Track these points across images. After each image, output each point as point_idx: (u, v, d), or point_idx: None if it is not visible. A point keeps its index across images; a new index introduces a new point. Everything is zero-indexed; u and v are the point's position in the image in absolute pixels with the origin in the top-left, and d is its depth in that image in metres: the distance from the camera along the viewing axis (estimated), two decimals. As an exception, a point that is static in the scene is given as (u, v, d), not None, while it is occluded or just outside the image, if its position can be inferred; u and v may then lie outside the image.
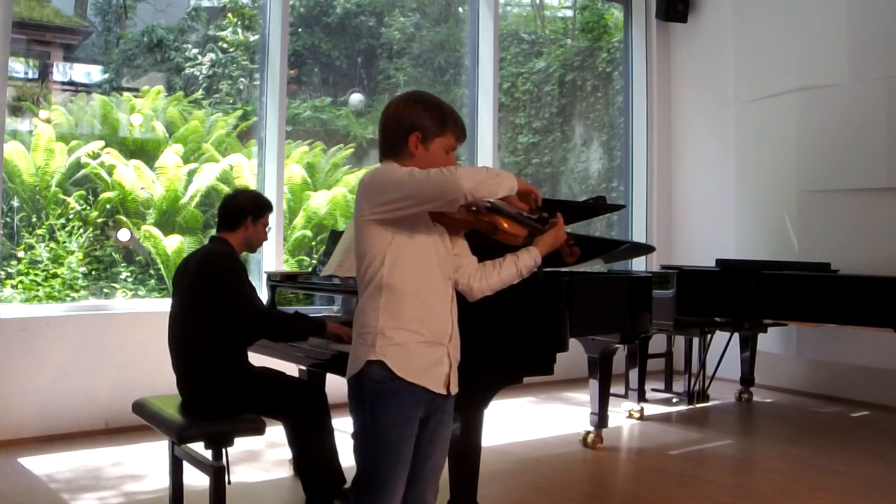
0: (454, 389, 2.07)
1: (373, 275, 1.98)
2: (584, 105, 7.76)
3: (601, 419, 4.39)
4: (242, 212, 3.15)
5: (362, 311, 2.01)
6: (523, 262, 2.19)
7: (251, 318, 2.98)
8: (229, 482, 2.82)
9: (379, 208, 1.94)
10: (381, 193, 1.94)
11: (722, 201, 6.62)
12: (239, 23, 6.66)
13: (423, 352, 1.99)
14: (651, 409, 5.37)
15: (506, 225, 2.11)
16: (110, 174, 5.66)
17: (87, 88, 6.10)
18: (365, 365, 1.96)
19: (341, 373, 3.07)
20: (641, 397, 5.23)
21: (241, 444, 3.35)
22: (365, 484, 1.98)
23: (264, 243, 3.35)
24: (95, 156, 5.64)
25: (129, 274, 5.70)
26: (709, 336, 5.39)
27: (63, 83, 6.15)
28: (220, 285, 2.95)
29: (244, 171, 5.96)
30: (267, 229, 3.26)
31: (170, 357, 3.09)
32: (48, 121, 5.63)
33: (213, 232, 3.24)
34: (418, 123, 2.01)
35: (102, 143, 5.68)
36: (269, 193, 5.23)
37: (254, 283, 3.12)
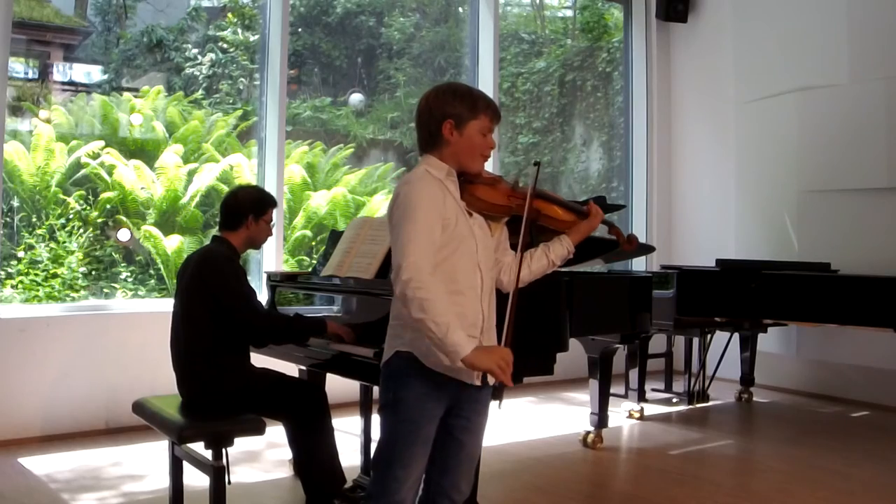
0: (491, 380, 2.03)
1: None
2: (584, 105, 7.76)
3: (601, 419, 4.39)
4: (243, 211, 3.13)
5: (397, 302, 2.03)
6: (555, 253, 2.24)
7: (251, 322, 2.98)
8: (229, 482, 2.82)
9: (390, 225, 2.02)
10: (393, 224, 1.99)
11: (722, 201, 6.62)
12: (239, 23, 6.66)
13: None
14: (651, 409, 5.37)
15: (549, 211, 2.16)
16: (110, 174, 5.66)
17: (87, 88, 6.09)
18: (394, 354, 2.04)
19: (341, 373, 3.10)
20: (641, 397, 5.23)
21: (241, 444, 3.35)
22: (382, 456, 2.04)
23: (268, 239, 3.33)
24: (95, 156, 5.64)
25: (129, 274, 5.70)
26: (709, 336, 5.39)
27: (63, 83, 6.14)
28: (218, 289, 2.95)
29: (244, 171, 5.96)
30: (271, 225, 3.23)
31: (170, 357, 3.09)
32: (48, 121, 5.63)
33: (214, 232, 3.23)
34: (450, 111, 2.05)
35: (102, 143, 5.67)
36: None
37: (254, 284, 3.12)
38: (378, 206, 6.53)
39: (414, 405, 2.01)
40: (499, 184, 2.16)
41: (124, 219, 5.69)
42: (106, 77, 6.20)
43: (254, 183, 5.71)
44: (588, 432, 4.44)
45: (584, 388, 4.94)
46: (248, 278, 3.14)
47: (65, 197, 5.53)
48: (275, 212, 3.27)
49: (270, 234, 3.26)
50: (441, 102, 2.06)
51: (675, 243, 7.19)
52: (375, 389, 2.27)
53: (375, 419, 2.24)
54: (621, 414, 5.20)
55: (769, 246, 5.96)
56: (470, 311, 2.05)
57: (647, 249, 4.84)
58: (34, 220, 5.44)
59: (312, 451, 3.08)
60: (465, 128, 2.06)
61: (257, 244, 3.25)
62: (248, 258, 5.42)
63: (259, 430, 2.83)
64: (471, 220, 2.08)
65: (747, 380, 5.77)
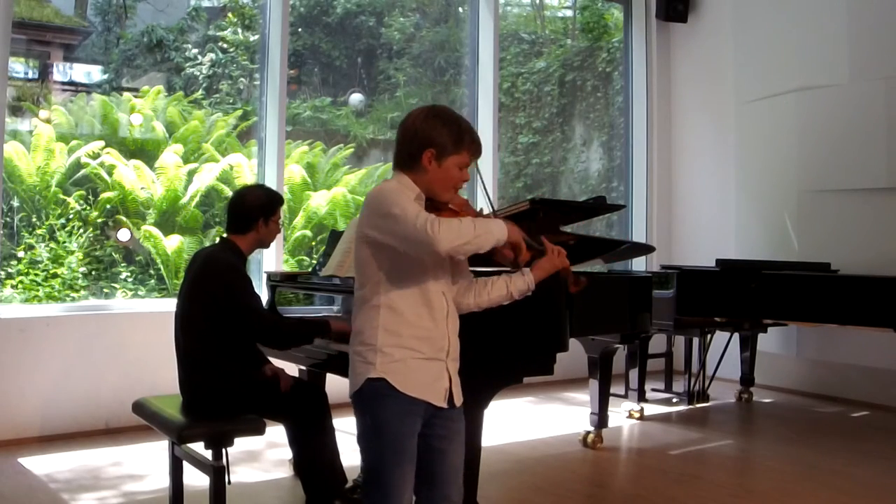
0: (458, 401, 2.10)
1: (372, 293, 2.02)
2: (584, 105, 7.76)
3: (601, 419, 4.39)
4: (253, 215, 3.09)
5: (362, 328, 2.04)
6: (515, 286, 2.18)
7: (258, 330, 2.97)
8: (229, 482, 2.82)
9: (373, 231, 1.98)
10: (378, 218, 1.96)
11: (722, 201, 6.62)
12: (239, 23, 6.66)
13: (423, 368, 2.02)
14: (651, 409, 5.37)
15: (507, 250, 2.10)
16: (110, 174, 5.66)
17: (87, 88, 6.10)
18: (366, 382, 2.00)
19: (341, 373, 3.09)
20: (641, 397, 5.23)
21: (241, 444, 3.35)
22: (371, 483, 2.02)
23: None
24: (95, 156, 5.64)
25: (129, 274, 5.70)
26: (709, 336, 5.38)
27: (63, 83, 6.14)
28: (223, 297, 2.93)
29: (244, 171, 5.96)
30: (280, 222, 3.21)
31: (175, 356, 3.08)
32: (48, 121, 5.63)
33: (214, 232, 3.22)
34: (435, 140, 2.03)
35: (102, 143, 5.67)
36: (270, 193, 5.21)
37: (254, 284, 3.10)
38: (378, 206, 6.52)
39: (395, 424, 1.99)
40: (464, 212, 2.13)
41: (124, 219, 5.69)
42: (106, 77, 6.20)
43: (254, 183, 5.70)
44: (588, 432, 4.44)
45: (584, 388, 4.94)
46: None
47: (65, 197, 5.53)
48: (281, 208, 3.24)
49: (279, 231, 3.23)
50: (428, 127, 2.04)
51: (675, 243, 7.19)
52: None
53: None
54: (621, 414, 5.19)
55: (769, 246, 5.96)
56: (436, 335, 2.04)
57: (646, 249, 4.85)
58: (34, 220, 5.45)
59: (313, 451, 3.08)
60: (445, 160, 2.04)
61: (266, 244, 3.21)
62: (249, 258, 5.41)
63: (259, 430, 2.83)
64: None
65: (747, 380, 5.77)
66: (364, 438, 2.04)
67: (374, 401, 2.00)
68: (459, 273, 2.19)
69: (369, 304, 2.02)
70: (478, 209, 2.23)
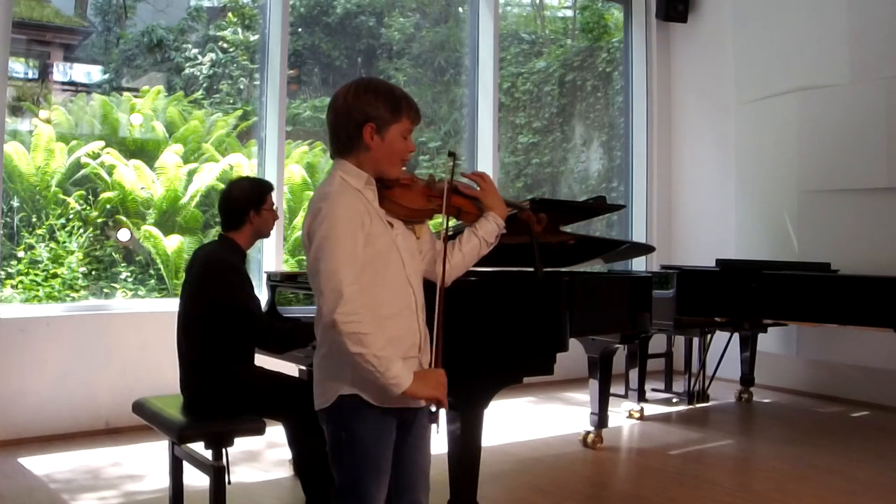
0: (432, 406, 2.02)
1: None
2: (584, 105, 7.76)
3: (601, 419, 4.39)
4: (242, 208, 3.05)
5: (327, 340, 1.88)
6: (484, 230, 2.10)
7: (252, 332, 2.96)
8: (229, 482, 2.82)
9: (307, 252, 1.86)
10: (310, 248, 1.84)
11: (722, 201, 6.62)
12: (239, 23, 6.66)
13: None
14: (651, 409, 5.37)
15: (467, 207, 2.06)
16: (110, 174, 5.66)
17: (87, 88, 6.09)
18: (338, 398, 1.90)
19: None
20: (641, 397, 5.23)
21: (241, 444, 3.35)
22: (347, 496, 1.94)
23: (269, 238, 3.25)
24: (95, 156, 5.64)
25: (129, 274, 5.70)
26: (709, 336, 5.38)
27: (63, 83, 6.14)
28: (222, 298, 2.93)
29: (244, 171, 5.96)
30: (274, 208, 3.15)
31: (176, 356, 3.08)
32: (48, 121, 5.63)
33: (214, 232, 3.22)
34: (372, 113, 1.90)
35: (102, 143, 5.68)
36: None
37: (254, 284, 3.10)
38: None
39: (372, 441, 1.91)
40: (415, 184, 2.04)
41: (124, 219, 5.69)
42: (106, 77, 6.20)
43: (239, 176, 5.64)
44: (588, 432, 4.44)
45: (584, 388, 4.94)
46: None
47: (65, 197, 5.53)
48: (274, 195, 3.17)
49: (276, 218, 3.18)
50: (361, 102, 1.90)
51: (675, 243, 7.19)
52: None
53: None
54: (621, 414, 5.19)
55: (769, 246, 5.96)
56: (407, 333, 1.95)
57: (647, 249, 4.85)
58: (34, 220, 5.44)
59: (312, 452, 3.07)
60: (387, 132, 1.92)
61: (265, 234, 3.16)
62: (249, 258, 5.40)
63: (259, 430, 2.83)
64: (392, 232, 1.95)
65: (747, 380, 5.77)
66: (337, 452, 1.93)
67: (348, 416, 1.90)
68: (424, 243, 2.09)
69: None
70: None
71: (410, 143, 1.99)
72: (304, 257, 1.90)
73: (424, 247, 2.09)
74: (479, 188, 2.13)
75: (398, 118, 1.93)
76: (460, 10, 7.33)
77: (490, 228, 2.11)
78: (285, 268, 5.75)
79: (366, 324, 1.77)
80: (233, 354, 3.00)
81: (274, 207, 3.16)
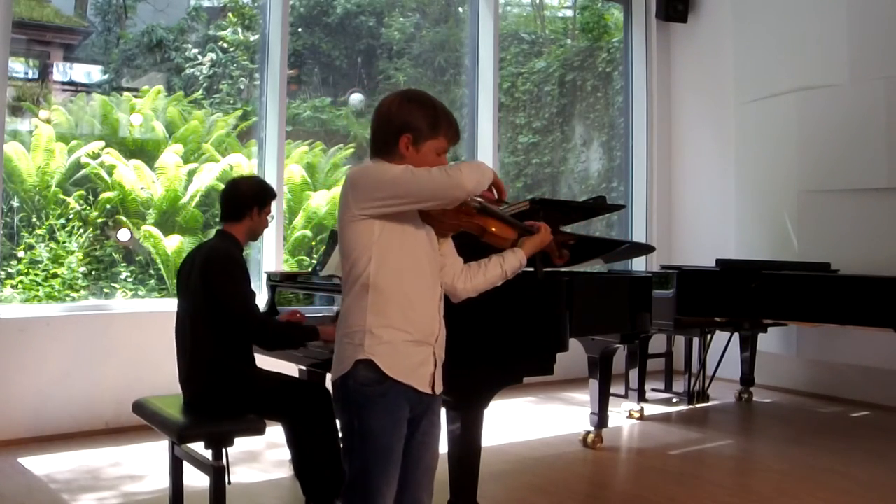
0: (439, 389, 2.06)
1: (359, 274, 1.96)
2: (584, 105, 7.76)
3: (601, 419, 4.39)
4: (248, 202, 3.10)
5: (349, 311, 1.98)
6: (509, 264, 2.18)
7: (244, 326, 2.96)
8: (229, 482, 2.82)
9: (369, 204, 1.92)
10: (373, 190, 1.91)
11: (722, 201, 6.62)
12: (239, 23, 6.66)
13: (411, 351, 1.97)
14: (651, 409, 5.37)
15: (494, 228, 2.10)
16: (110, 174, 5.66)
17: (87, 88, 6.09)
18: (353, 366, 1.94)
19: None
20: (641, 397, 5.23)
21: (241, 445, 3.35)
22: (357, 487, 1.97)
23: (265, 233, 3.30)
24: (95, 156, 5.64)
25: (129, 274, 5.70)
26: (709, 336, 5.39)
27: (63, 83, 6.14)
28: (219, 290, 2.93)
29: (244, 171, 5.95)
30: (270, 217, 3.22)
31: (175, 355, 3.08)
32: (48, 121, 5.63)
33: (214, 232, 3.22)
34: (412, 124, 1.98)
35: (102, 143, 5.67)
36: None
37: (254, 284, 3.10)
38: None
39: (383, 431, 1.95)
40: None
41: (124, 219, 5.69)
42: (106, 77, 6.20)
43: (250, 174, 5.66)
44: (588, 432, 4.44)
45: (584, 388, 4.94)
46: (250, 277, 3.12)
47: (65, 197, 5.53)
48: (274, 205, 3.25)
49: (268, 225, 3.25)
50: (403, 113, 1.99)
51: (675, 243, 7.19)
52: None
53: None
54: (621, 414, 5.20)
55: (769, 246, 5.96)
56: (430, 320, 2.02)
57: (647, 249, 4.85)
58: (34, 220, 5.44)
59: (312, 452, 3.07)
60: (423, 145, 2.00)
61: (257, 236, 3.23)
62: (249, 258, 5.42)
63: (259, 430, 2.83)
64: (423, 227, 2.04)
65: (747, 380, 5.77)
66: (349, 440, 1.98)
67: (360, 403, 1.95)
68: (448, 257, 2.16)
69: (357, 287, 1.96)
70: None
71: (444, 159, 2.05)
72: (336, 221, 2.00)
73: (446, 261, 2.16)
74: (534, 231, 2.22)
75: (436, 134, 2.01)
76: (460, 10, 7.33)
77: (514, 265, 2.20)
78: (285, 268, 5.76)
79: (452, 165, 1.92)
80: (235, 353, 3.00)
81: (270, 216, 3.22)
